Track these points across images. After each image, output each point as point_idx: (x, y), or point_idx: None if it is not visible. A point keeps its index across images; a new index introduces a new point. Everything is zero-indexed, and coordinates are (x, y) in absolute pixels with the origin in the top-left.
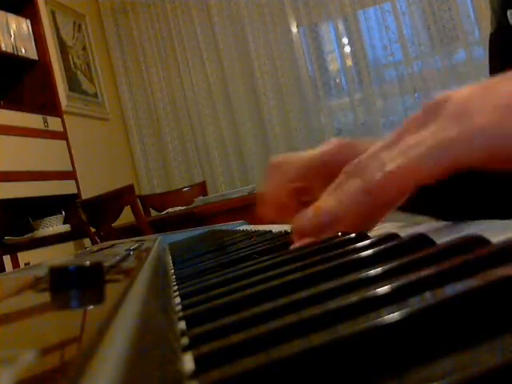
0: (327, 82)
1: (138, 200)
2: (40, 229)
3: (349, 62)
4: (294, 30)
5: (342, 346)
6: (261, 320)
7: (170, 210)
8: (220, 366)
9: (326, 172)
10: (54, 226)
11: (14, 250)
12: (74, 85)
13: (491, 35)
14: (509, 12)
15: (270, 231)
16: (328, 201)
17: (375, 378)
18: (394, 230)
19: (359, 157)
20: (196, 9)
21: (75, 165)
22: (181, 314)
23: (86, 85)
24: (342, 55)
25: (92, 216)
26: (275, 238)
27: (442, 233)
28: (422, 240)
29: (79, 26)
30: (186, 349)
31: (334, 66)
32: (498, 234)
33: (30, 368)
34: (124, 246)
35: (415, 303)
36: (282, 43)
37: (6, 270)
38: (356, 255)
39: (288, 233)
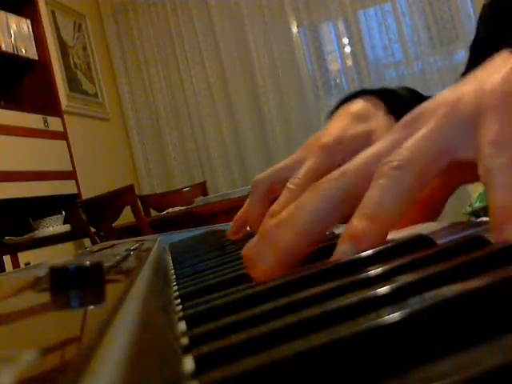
0: (327, 82)
1: (138, 200)
2: (40, 229)
3: (349, 62)
4: (295, 30)
5: (342, 346)
6: (261, 320)
7: (170, 210)
8: (220, 366)
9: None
10: (54, 226)
11: (14, 250)
12: (74, 85)
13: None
14: None
15: None
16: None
17: (375, 378)
18: (393, 232)
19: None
20: (196, 9)
21: (75, 165)
22: (181, 314)
23: (86, 85)
24: (343, 55)
25: (92, 216)
26: None
27: (443, 233)
28: (422, 240)
29: (79, 25)
30: (186, 349)
31: (334, 66)
32: None
33: (30, 368)
34: (124, 246)
35: (415, 304)
36: (282, 43)
37: (6, 269)
38: (356, 255)
39: None
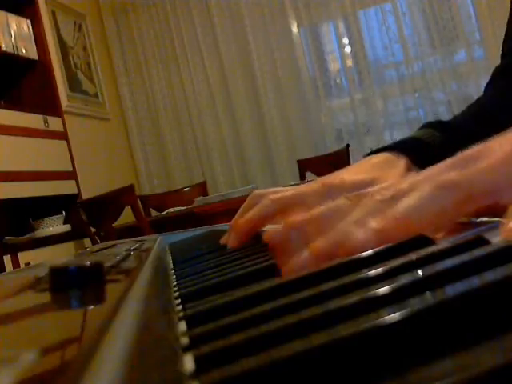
0: (327, 83)
1: (138, 200)
2: (40, 229)
3: (349, 63)
4: (295, 30)
5: (342, 346)
6: (261, 320)
7: (170, 210)
8: (220, 366)
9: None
10: (55, 226)
11: (14, 250)
12: (74, 85)
13: None
14: None
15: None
16: (301, 216)
17: (375, 378)
18: None
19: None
20: (196, 9)
21: (75, 165)
22: (181, 314)
23: (86, 85)
24: (343, 55)
25: (92, 216)
26: None
27: (443, 233)
28: (422, 240)
29: (80, 25)
30: (186, 349)
31: (334, 66)
32: (498, 234)
33: (30, 368)
34: (124, 246)
35: (416, 303)
36: (282, 43)
37: (6, 269)
38: (356, 255)
39: None
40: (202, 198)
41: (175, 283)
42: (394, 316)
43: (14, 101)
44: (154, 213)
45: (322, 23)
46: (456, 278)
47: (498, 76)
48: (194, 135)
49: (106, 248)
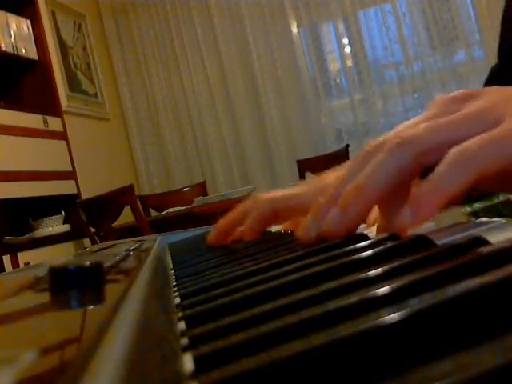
0: (327, 83)
1: (138, 200)
2: (40, 229)
3: (349, 63)
4: (295, 30)
5: (342, 346)
6: (261, 320)
7: (170, 210)
8: (220, 366)
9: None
10: (54, 226)
11: (14, 250)
12: (74, 85)
13: None
14: None
15: (270, 231)
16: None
17: (375, 378)
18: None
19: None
20: (196, 9)
21: (75, 165)
22: (180, 314)
23: (86, 85)
24: (343, 55)
25: (92, 216)
26: (275, 238)
27: (443, 233)
28: (422, 241)
29: (79, 25)
30: (185, 349)
31: (334, 66)
32: (497, 235)
33: (30, 368)
34: (124, 246)
35: (415, 304)
36: (282, 43)
37: (6, 270)
38: (356, 256)
39: (288, 233)
40: (201, 197)
41: (175, 283)
42: (393, 316)
43: (13, 101)
44: (153, 213)
45: (321, 23)
46: (456, 278)
47: (496, 76)
48: (193, 135)
49: (105, 248)
